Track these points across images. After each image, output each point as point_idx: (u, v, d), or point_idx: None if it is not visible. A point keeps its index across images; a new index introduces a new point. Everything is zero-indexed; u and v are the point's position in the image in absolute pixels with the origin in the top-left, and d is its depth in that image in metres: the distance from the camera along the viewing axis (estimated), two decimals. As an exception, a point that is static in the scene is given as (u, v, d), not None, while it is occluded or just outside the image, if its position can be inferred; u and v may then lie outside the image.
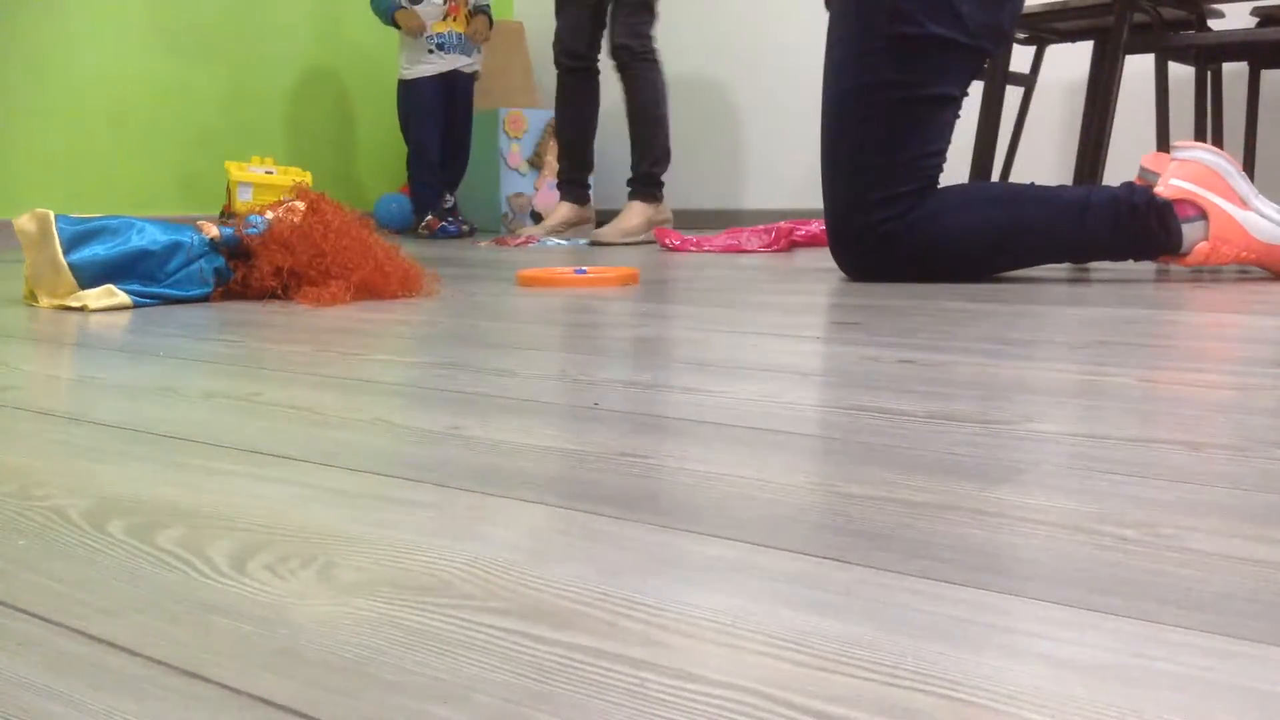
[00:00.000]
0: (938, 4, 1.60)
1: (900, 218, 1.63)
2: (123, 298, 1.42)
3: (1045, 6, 2.57)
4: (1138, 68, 2.70)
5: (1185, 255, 1.56)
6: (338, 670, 0.34)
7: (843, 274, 1.77)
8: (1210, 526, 0.46)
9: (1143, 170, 1.62)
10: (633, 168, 3.19)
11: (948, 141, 1.67)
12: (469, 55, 3.68)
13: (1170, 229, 1.55)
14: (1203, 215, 1.55)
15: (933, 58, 1.62)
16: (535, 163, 4.15)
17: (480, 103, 4.02)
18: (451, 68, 3.63)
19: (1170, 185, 1.56)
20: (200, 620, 0.38)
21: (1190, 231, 1.55)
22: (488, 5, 3.76)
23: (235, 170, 3.42)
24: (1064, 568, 0.41)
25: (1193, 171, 1.57)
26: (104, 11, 3.52)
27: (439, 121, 3.64)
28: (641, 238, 3.13)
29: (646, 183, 3.17)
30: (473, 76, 3.75)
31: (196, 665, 0.34)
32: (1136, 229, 1.56)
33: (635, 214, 3.14)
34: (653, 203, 3.17)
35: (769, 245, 2.67)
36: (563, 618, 0.37)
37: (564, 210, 3.36)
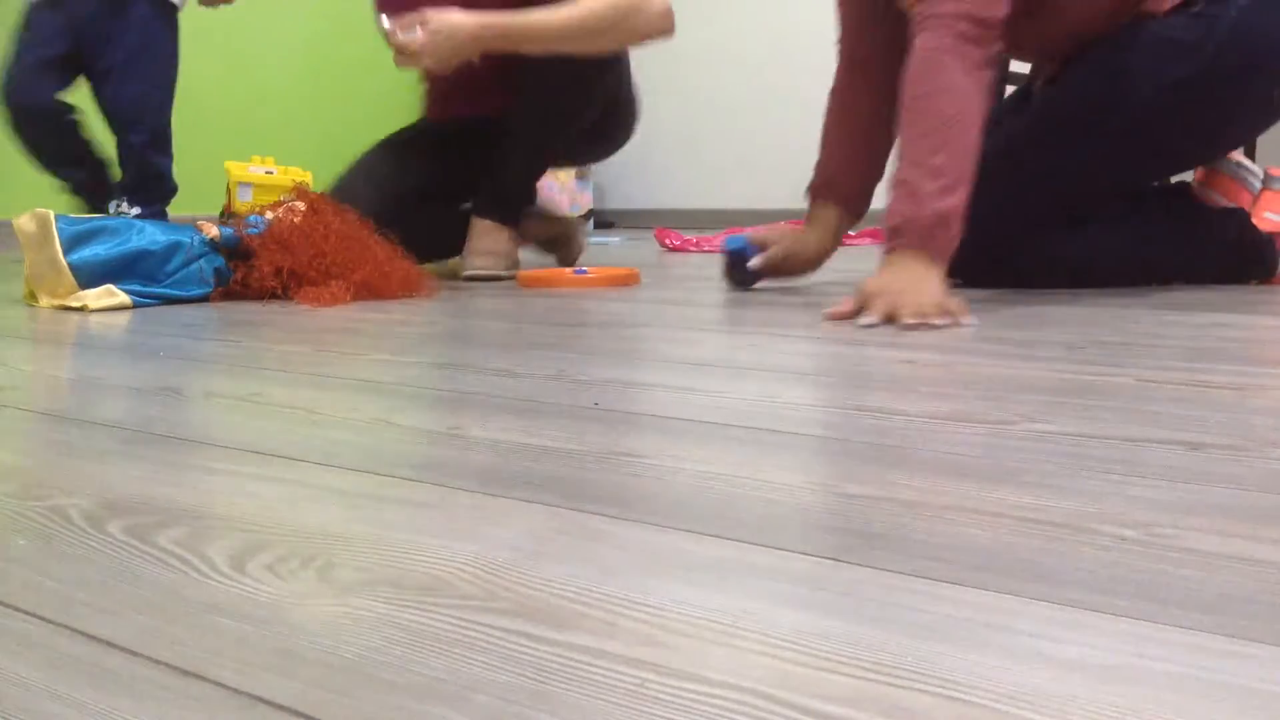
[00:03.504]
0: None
1: (1058, 238, 1.53)
2: (123, 298, 1.42)
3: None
4: (1138, 68, 2.69)
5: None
6: (338, 670, 0.34)
7: (956, 279, 1.45)
8: (1210, 526, 0.46)
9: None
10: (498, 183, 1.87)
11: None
12: None
13: (1267, 262, 1.55)
14: None
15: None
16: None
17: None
18: None
19: (1266, 219, 1.56)
20: (200, 620, 0.38)
21: None
22: None
23: (235, 170, 3.42)
24: (1064, 568, 0.41)
25: None
26: (104, 11, 3.52)
27: (60, 68, 2.20)
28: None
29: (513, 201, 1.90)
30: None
31: (196, 665, 0.34)
32: (1241, 270, 1.56)
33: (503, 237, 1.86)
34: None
35: (769, 245, 2.66)
36: (563, 618, 0.37)
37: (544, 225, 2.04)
